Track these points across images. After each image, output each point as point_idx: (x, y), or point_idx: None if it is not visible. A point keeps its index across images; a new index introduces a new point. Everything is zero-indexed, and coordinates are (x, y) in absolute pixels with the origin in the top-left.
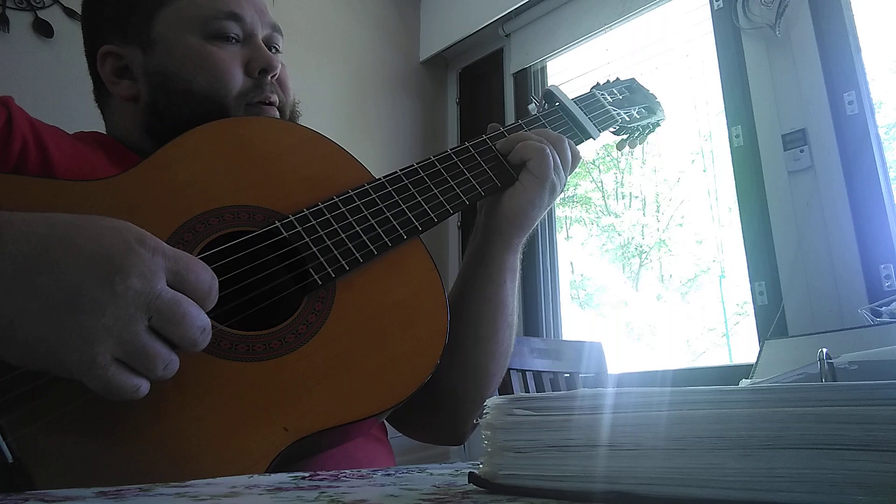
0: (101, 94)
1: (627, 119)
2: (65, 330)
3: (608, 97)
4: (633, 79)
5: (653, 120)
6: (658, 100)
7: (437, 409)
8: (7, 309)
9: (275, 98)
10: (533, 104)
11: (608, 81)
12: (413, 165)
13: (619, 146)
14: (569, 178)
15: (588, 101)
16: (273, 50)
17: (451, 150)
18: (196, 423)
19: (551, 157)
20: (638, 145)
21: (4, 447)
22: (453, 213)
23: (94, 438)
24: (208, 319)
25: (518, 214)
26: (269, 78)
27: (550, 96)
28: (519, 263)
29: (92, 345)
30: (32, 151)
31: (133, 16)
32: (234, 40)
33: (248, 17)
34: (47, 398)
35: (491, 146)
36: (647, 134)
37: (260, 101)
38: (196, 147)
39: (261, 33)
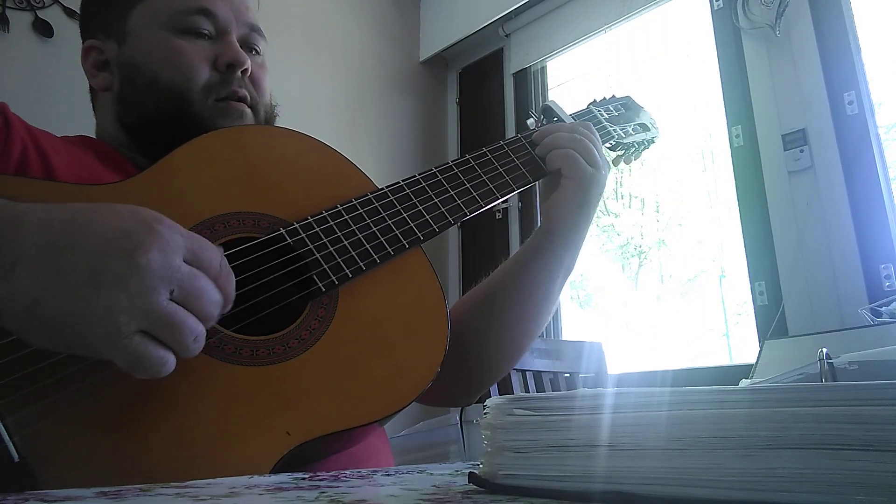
0: (92, 92)
1: (623, 135)
2: (89, 305)
3: (604, 113)
4: (629, 96)
5: (647, 136)
6: (653, 117)
7: (462, 377)
8: (32, 289)
9: (244, 93)
10: (532, 119)
11: (604, 98)
12: (415, 176)
13: (615, 162)
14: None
15: (585, 116)
16: (253, 51)
17: (451, 161)
18: (199, 426)
19: (579, 157)
20: (633, 161)
21: (11, 446)
22: (454, 224)
23: (98, 439)
24: (220, 295)
25: (569, 216)
26: (239, 73)
27: (549, 111)
28: (576, 260)
29: (116, 315)
30: (33, 156)
31: (112, 11)
32: (206, 36)
33: (220, 13)
34: (52, 398)
35: (490, 158)
36: (642, 150)
37: (227, 97)
38: (201, 154)
39: (236, 31)
